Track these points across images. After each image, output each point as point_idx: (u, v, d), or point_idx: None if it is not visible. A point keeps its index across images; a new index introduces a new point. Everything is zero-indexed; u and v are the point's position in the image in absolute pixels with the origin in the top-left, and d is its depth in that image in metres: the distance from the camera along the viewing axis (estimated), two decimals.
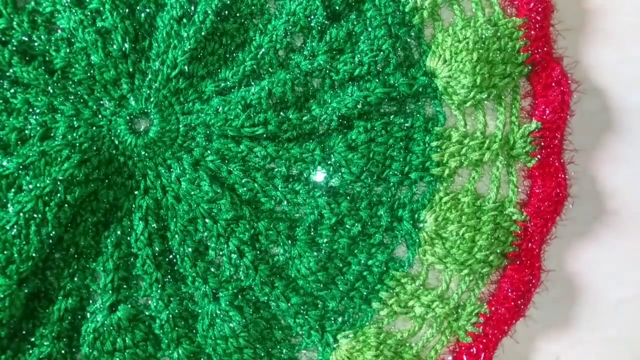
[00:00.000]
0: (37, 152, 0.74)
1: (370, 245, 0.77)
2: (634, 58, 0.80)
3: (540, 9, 0.75)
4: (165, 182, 0.76)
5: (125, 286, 0.77)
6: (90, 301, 0.77)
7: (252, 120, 0.75)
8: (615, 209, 0.81)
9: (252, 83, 0.76)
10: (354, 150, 0.76)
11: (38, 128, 0.75)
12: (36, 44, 0.75)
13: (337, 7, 0.75)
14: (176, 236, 0.76)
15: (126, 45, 0.75)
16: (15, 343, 0.76)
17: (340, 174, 0.76)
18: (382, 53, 0.75)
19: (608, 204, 0.81)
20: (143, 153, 0.76)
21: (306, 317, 0.77)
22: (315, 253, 0.76)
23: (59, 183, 0.73)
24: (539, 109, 0.76)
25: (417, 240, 0.76)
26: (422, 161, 0.76)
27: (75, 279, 0.76)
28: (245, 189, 0.76)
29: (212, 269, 0.77)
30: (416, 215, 0.77)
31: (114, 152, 0.76)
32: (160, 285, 0.76)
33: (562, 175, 0.76)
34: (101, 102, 0.76)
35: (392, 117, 0.76)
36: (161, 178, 0.76)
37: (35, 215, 0.73)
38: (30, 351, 0.75)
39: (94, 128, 0.76)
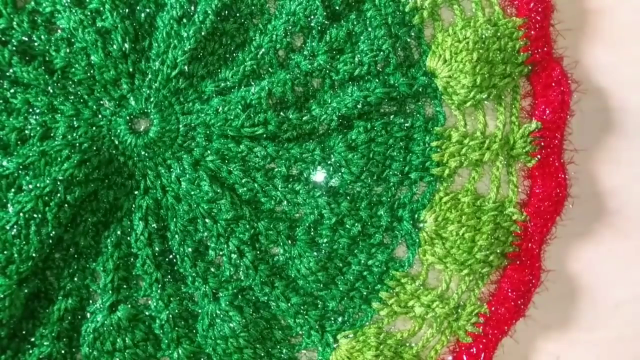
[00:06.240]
0: (37, 152, 0.74)
1: (370, 245, 0.77)
2: (634, 58, 0.80)
3: (540, 9, 0.75)
4: (165, 182, 0.76)
5: (125, 286, 0.77)
6: (90, 301, 0.77)
7: (252, 120, 0.75)
8: (615, 209, 0.81)
9: (252, 83, 0.76)
10: (354, 150, 0.76)
11: (38, 128, 0.75)
12: (36, 44, 0.75)
13: (337, 7, 0.75)
14: (176, 236, 0.76)
15: (126, 45, 0.75)
16: (15, 343, 0.76)
17: (340, 174, 0.76)
18: (382, 53, 0.75)
19: (608, 204, 0.81)
20: (143, 153, 0.76)
21: (306, 317, 0.77)
22: (315, 253, 0.76)
23: (59, 183, 0.73)
24: (539, 109, 0.76)
25: (417, 240, 0.76)
26: (422, 161, 0.76)
27: (75, 279, 0.76)
28: (245, 189, 0.76)
29: (212, 269, 0.77)
30: (416, 215, 0.77)
31: (114, 152, 0.76)
32: (160, 285, 0.76)
33: (562, 175, 0.76)
34: (101, 102, 0.76)
35: (392, 117, 0.76)
36: (161, 178, 0.76)
37: (35, 215, 0.73)
38: (30, 351, 0.75)
39: (94, 128, 0.76)
